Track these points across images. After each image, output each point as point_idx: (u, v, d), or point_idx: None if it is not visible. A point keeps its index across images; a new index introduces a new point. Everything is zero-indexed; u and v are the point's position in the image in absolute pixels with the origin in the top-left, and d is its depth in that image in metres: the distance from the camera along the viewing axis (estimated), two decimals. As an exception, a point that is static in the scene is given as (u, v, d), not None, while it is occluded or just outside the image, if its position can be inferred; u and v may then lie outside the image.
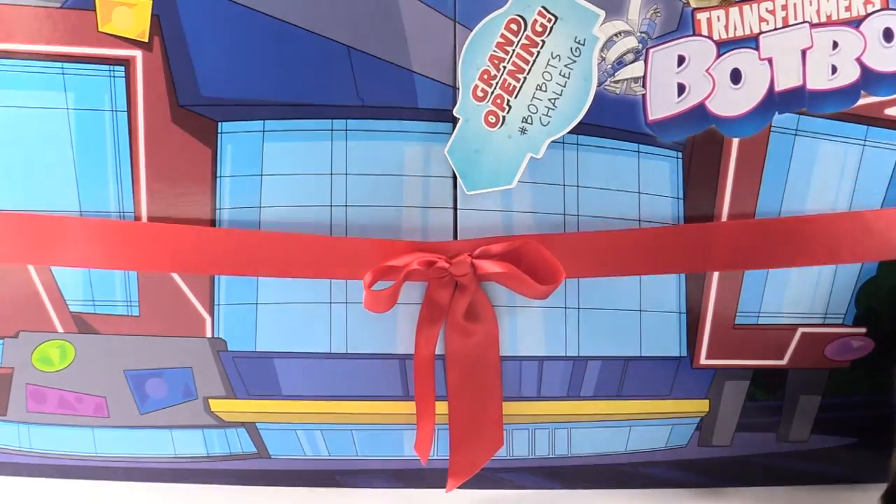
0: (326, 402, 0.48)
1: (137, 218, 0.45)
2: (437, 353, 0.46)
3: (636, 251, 0.45)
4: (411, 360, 0.47)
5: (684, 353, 0.48)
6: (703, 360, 0.48)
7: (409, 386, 0.48)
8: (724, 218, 0.45)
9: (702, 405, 0.49)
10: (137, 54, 0.44)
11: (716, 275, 0.46)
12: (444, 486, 0.49)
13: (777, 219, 0.45)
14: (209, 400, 0.49)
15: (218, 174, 0.45)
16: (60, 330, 0.47)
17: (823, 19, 0.44)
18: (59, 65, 0.44)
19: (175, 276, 0.46)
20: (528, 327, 0.47)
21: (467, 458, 0.47)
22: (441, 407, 0.48)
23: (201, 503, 0.50)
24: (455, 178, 0.45)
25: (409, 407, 0.48)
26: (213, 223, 0.45)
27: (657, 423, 0.49)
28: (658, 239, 0.45)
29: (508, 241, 0.45)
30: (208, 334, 0.47)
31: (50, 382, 0.48)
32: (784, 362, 0.48)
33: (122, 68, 0.44)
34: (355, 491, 0.51)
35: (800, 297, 0.47)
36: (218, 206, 0.45)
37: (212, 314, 0.47)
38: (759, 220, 0.45)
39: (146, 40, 0.43)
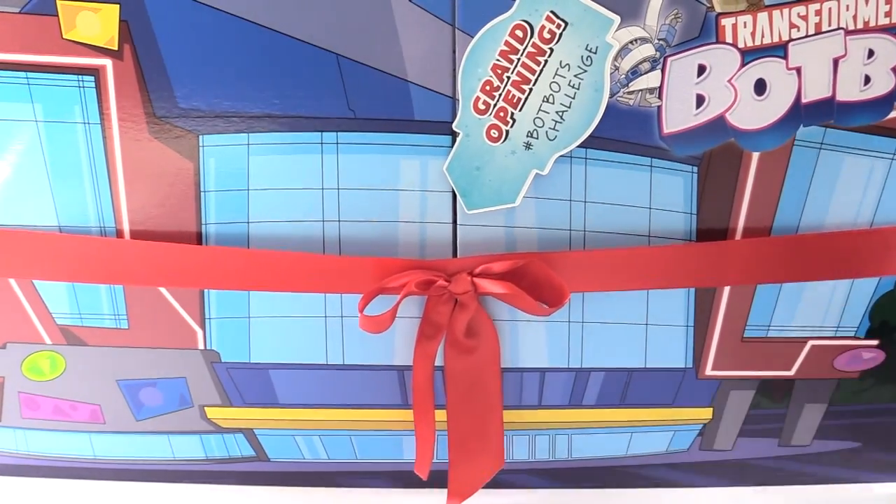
0: (324, 410, 0.48)
1: (119, 233, 0.43)
2: (436, 364, 0.45)
3: (646, 268, 0.43)
4: (410, 370, 0.46)
5: (690, 365, 0.46)
6: (708, 371, 0.47)
7: (409, 395, 0.47)
8: (739, 233, 0.43)
9: (705, 413, 0.48)
10: (107, 63, 0.40)
11: (726, 289, 0.45)
12: (443, 487, 0.49)
13: (794, 236, 0.43)
14: (205, 408, 0.48)
15: (202, 188, 0.42)
16: (48, 342, 0.46)
17: (860, 26, 0.40)
18: (23, 74, 0.40)
19: (163, 289, 0.45)
20: (530, 341, 0.46)
21: (467, 477, 0.47)
22: (441, 414, 0.47)
23: (201, 503, 0.50)
24: (455, 192, 0.42)
25: (408, 414, 0.47)
26: (199, 237, 0.43)
27: (659, 430, 0.49)
28: (670, 256, 0.43)
29: (511, 260, 0.42)
30: (200, 347, 0.46)
31: (42, 391, 0.47)
32: (792, 373, 0.47)
33: (92, 78, 0.40)
34: (354, 491, 0.51)
35: (812, 311, 0.45)
36: (204, 221, 0.43)
37: (203, 327, 0.45)
38: (776, 238, 0.43)
39: (115, 48, 0.40)
